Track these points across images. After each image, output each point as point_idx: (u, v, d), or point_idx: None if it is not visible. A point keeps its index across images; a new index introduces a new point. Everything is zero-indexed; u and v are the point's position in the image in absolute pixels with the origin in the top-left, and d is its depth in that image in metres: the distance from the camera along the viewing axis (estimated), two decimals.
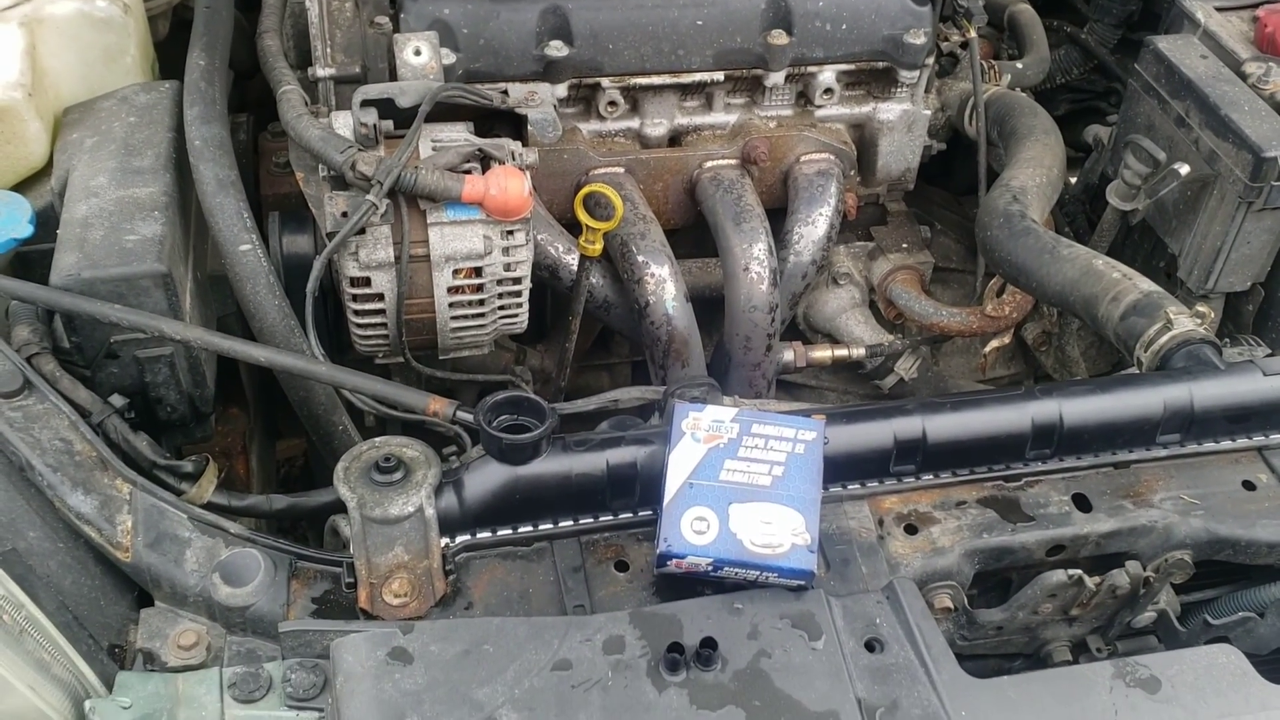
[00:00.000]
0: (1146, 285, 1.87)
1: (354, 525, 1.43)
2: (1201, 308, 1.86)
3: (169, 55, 2.15)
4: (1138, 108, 2.30)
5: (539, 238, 2.05)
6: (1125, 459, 1.67)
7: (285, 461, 2.63)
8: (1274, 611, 1.59)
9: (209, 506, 1.57)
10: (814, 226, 2.23)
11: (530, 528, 1.52)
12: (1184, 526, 1.60)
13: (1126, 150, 2.20)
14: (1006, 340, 2.41)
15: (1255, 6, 2.32)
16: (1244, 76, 2.18)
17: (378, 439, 1.52)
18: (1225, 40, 2.26)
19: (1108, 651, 1.69)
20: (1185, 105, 2.17)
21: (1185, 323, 1.77)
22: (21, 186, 1.85)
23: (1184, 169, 2.11)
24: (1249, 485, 1.66)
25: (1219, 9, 2.34)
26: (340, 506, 1.48)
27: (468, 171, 1.72)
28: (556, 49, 2.04)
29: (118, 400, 1.62)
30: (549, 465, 1.52)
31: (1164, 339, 1.76)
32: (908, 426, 1.61)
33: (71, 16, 1.91)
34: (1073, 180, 2.51)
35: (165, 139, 1.85)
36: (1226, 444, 1.70)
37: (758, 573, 1.41)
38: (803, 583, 1.42)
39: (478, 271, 1.78)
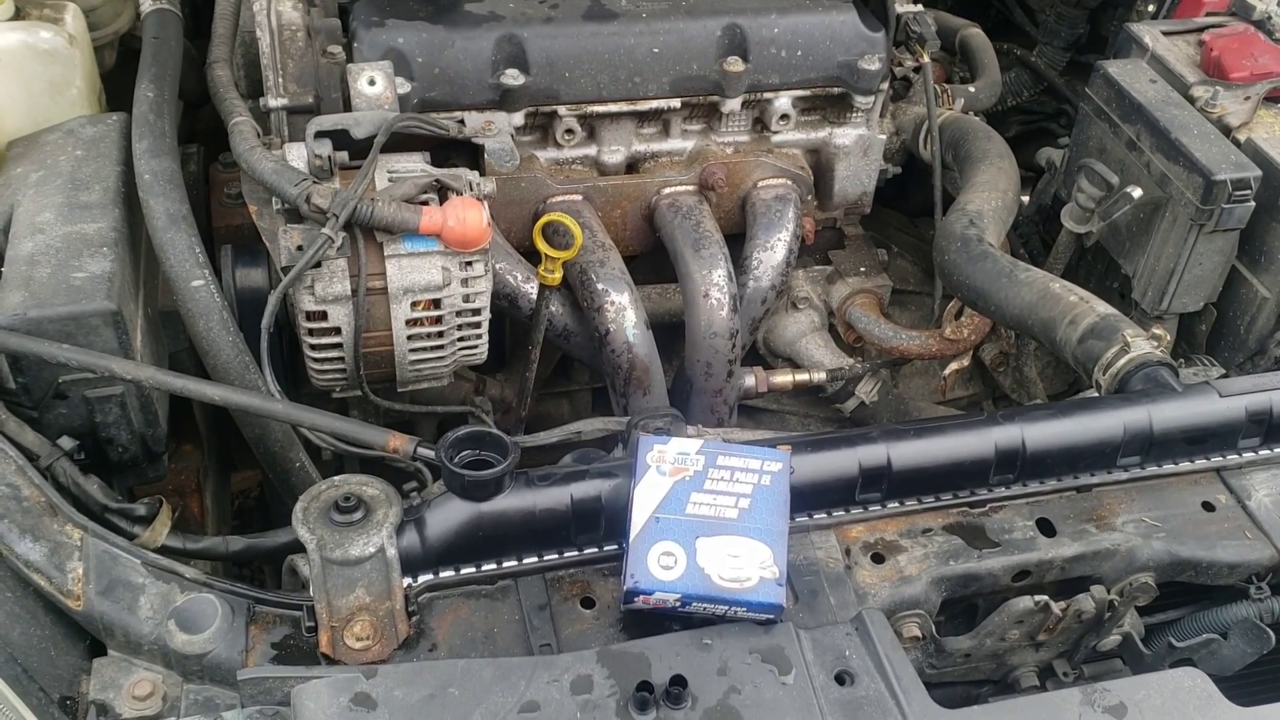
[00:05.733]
0: (1103, 308, 1.88)
1: (314, 567, 1.40)
2: (1158, 330, 1.87)
3: (116, 86, 2.11)
4: (1089, 131, 2.32)
5: (498, 267, 2.04)
6: (1087, 482, 1.67)
7: (240, 493, 2.59)
8: (1237, 632, 1.60)
9: (163, 550, 1.54)
10: (772, 251, 2.23)
11: (494, 565, 1.50)
12: (1146, 549, 1.61)
13: (1080, 174, 2.23)
14: (965, 362, 2.42)
15: (1201, 31, 2.36)
16: (1192, 100, 2.22)
17: (337, 478, 1.49)
18: (1173, 64, 2.30)
19: (1074, 676, 1.69)
20: (1136, 129, 2.20)
21: (1142, 345, 1.79)
22: None
23: (1136, 192, 2.14)
24: (1208, 506, 1.67)
25: (1165, 33, 2.37)
26: (299, 546, 1.44)
27: (425, 203, 1.70)
28: (513, 77, 2.03)
29: (67, 442, 1.58)
30: (512, 501, 1.49)
31: (1122, 362, 1.78)
32: (872, 454, 1.60)
33: (14, 48, 1.87)
34: (1025, 200, 2.54)
35: (113, 173, 1.81)
36: (1185, 465, 1.71)
37: (726, 607, 1.40)
38: (771, 616, 1.41)
39: (436, 303, 1.76)
